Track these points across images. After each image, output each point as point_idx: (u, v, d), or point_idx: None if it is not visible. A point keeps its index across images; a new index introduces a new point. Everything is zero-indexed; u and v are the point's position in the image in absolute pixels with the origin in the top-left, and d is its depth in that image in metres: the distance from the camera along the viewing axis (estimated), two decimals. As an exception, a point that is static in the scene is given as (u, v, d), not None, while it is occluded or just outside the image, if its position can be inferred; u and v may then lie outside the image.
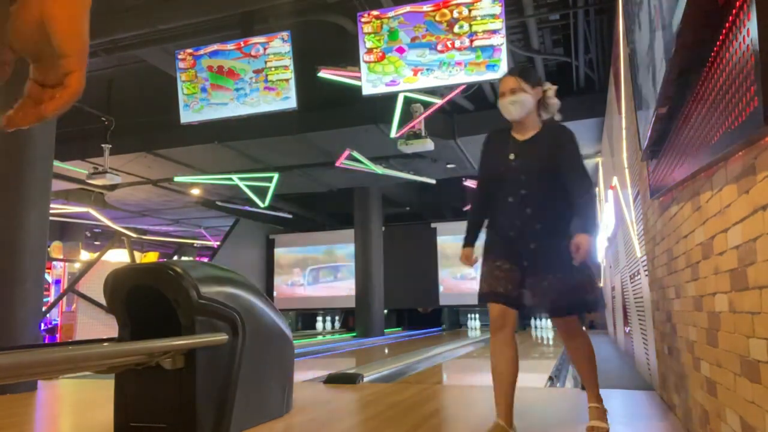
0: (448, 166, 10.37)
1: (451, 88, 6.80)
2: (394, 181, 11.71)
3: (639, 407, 3.29)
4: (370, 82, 6.36)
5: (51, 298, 9.63)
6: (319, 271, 16.89)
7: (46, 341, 8.72)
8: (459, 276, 15.19)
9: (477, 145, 10.13)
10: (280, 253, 17.21)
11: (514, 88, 2.64)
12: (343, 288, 16.32)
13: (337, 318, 17.68)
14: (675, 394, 2.92)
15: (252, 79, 7.01)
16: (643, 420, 2.97)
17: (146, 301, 2.52)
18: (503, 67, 5.93)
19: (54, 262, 10.79)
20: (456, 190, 13.05)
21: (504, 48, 5.88)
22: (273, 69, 6.90)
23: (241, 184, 10.93)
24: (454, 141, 8.88)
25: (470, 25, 5.95)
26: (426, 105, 7.65)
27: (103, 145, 8.96)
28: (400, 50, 6.23)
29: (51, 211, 5.04)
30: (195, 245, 19.83)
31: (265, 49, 6.91)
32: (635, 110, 3.09)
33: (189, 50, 6.86)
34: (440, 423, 2.91)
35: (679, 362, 2.71)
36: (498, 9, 5.86)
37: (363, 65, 6.36)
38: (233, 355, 2.58)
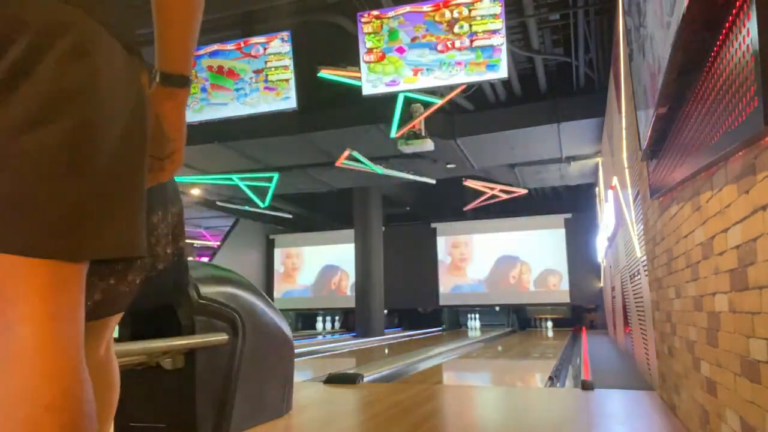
0: (448, 166, 10.37)
1: (451, 88, 6.80)
2: (394, 181, 11.71)
3: (639, 407, 3.29)
4: (370, 82, 6.36)
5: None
6: (319, 270, 16.89)
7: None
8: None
9: (477, 145, 10.14)
10: (280, 252, 17.21)
11: None
12: (342, 288, 16.33)
13: (337, 318, 17.69)
14: (675, 394, 2.92)
15: (252, 79, 7.01)
16: (643, 420, 2.97)
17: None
18: (503, 67, 5.93)
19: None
20: (456, 190, 13.05)
21: (504, 48, 5.89)
22: (273, 69, 6.90)
23: (241, 184, 10.94)
24: (454, 141, 8.88)
25: (470, 25, 5.95)
26: (426, 105, 7.65)
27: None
28: (400, 50, 6.23)
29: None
30: (195, 245, 19.83)
31: (265, 49, 6.91)
32: (635, 110, 3.09)
33: (189, 50, 6.85)
34: (440, 423, 2.91)
35: (679, 362, 2.71)
36: (498, 9, 5.86)
37: (363, 65, 6.36)
38: (233, 355, 2.58)
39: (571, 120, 8.28)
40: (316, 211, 16.22)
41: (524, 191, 12.91)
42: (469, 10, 5.95)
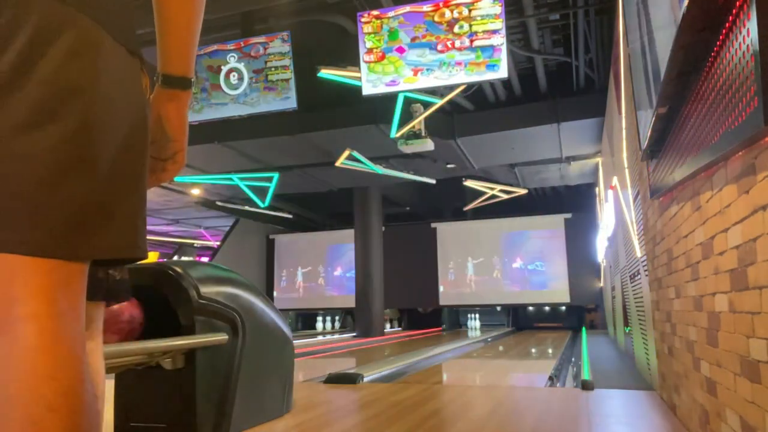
0: (448, 166, 10.37)
1: (451, 88, 6.80)
2: (394, 181, 11.71)
3: (639, 407, 3.29)
4: (370, 82, 6.36)
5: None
6: (319, 270, 16.89)
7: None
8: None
9: (477, 145, 10.14)
10: (280, 252, 17.22)
11: None
12: (343, 288, 16.33)
13: (337, 318, 17.69)
14: (675, 394, 2.92)
15: (252, 79, 7.01)
16: (643, 420, 2.97)
17: (146, 301, 2.52)
18: (503, 67, 5.93)
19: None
20: (456, 190, 13.05)
21: (504, 48, 5.89)
22: (273, 69, 6.91)
23: (241, 184, 10.94)
24: (454, 141, 8.88)
25: (470, 25, 5.95)
26: (426, 105, 7.65)
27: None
28: (400, 50, 6.23)
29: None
30: (195, 245, 19.83)
31: (265, 49, 6.91)
32: (635, 110, 3.09)
33: (189, 50, 6.86)
34: (440, 423, 2.91)
35: (679, 362, 2.71)
36: (498, 9, 5.86)
37: (363, 65, 6.36)
38: (233, 355, 2.58)
39: (571, 120, 8.28)
40: (316, 211, 16.23)
41: (524, 191, 12.91)
42: (469, 10, 5.95)
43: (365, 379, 4.43)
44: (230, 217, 15.42)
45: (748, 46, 1.19)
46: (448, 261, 15.44)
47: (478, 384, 5.64)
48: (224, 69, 7.11)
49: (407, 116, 7.80)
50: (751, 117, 1.20)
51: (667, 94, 1.98)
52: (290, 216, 15.57)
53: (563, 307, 15.63)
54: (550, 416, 3.07)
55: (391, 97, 7.22)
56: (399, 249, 15.44)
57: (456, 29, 5.99)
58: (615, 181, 6.20)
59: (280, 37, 6.86)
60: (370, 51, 6.33)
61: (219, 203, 13.60)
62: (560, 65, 8.58)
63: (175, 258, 18.40)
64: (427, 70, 6.14)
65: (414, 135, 7.90)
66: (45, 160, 0.68)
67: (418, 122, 7.77)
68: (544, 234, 15.02)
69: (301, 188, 12.48)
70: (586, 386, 3.81)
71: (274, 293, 16.81)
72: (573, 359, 7.53)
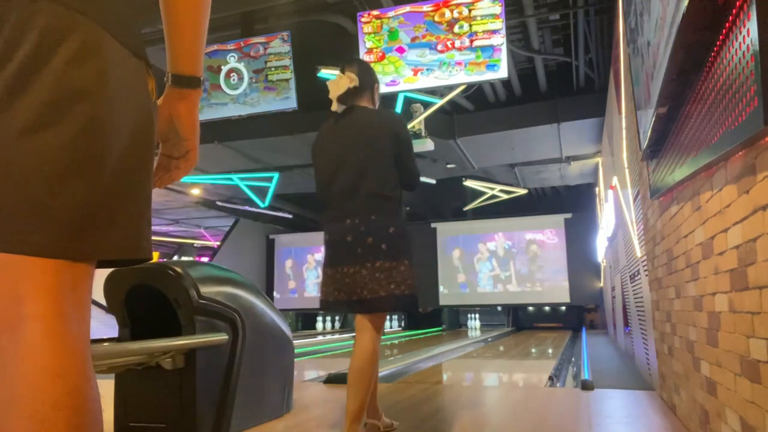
0: (448, 166, 10.37)
1: (451, 88, 6.80)
2: (394, 181, 11.68)
3: (639, 407, 3.29)
4: (370, 82, 6.35)
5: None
6: (319, 270, 16.88)
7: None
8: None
9: (477, 145, 10.14)
10: (280, 252, 17.22)
11: None
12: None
13: (337, 318, 17.68)
14: (675, 394, 2.92)
15: (252, 79, 7.01)
16: (643, 420, 2.97)
17: (146, 301, 2.52)
18: (503, 67, 5.93)
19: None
20: (456, 190, 13.05)
21: (504, 48, 5.89)
22: (273, 69, 6.91)
23: (241, 184, 10.94)
24: (454, 141, 8.88)
25: (470, 25, 5.95)
26: (426, 105, 7.65)
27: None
28: (400, 50, 6.23)
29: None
30: (195, 245, 19.83)
31: (265, 49, 6.91)
32: (635, 110, 3.09)
33: (189, 50, 6.86)
34: (440, 423, 2.91)
35: (679, 362, 2.71)
36: (498, 9, 5.86)
37: (363, 65, 6.35)
38: (233, 355, 2.58)
39: (571, 120, 8.28)
40: (316, 211, 16.23)
41: (524, 191, 12.91)
42: (469, 10, 5.95)
43: (365, 379, 4.42)
44: (230, 217, 15.42)
45: (748, 46, 1.19)
46: (448, 261, 15.44)
47: (478, 384, 5.64)
48: (224, 69, 7.11)
49: (407, 116, 7.80)
50: (751, 117, 1.20)
51: (667, 94, 1.98)
52: (290, 216, 15.57)
53: (563, 307, 15.62)
54: (550, 416, 3.07)
55: (391, 97, 7.22)
56: (399, 249, 15.40)
57: (456, 29, 5.99)
58: (615, 181, 6.20)
59: (280, 37, 6.86)
60: (370, 51, 6.33)
61: (219, 203, 13.60)
62: (560, 65, 8.58)
63: (175, 258, 18.41)
64: (427, 70, 6.14)
65: (414, 135, 7.90)
66: (50, 162, 0.69)
67: (418, 122, 7.77)
68: (544, 234, 15.02)
69: (301, 188, 12.48)
70: (586, 386, 3.81)
71: (274, 293, 16.81)
72: (573, 359, 7.53)
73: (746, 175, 1.40)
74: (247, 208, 13.55)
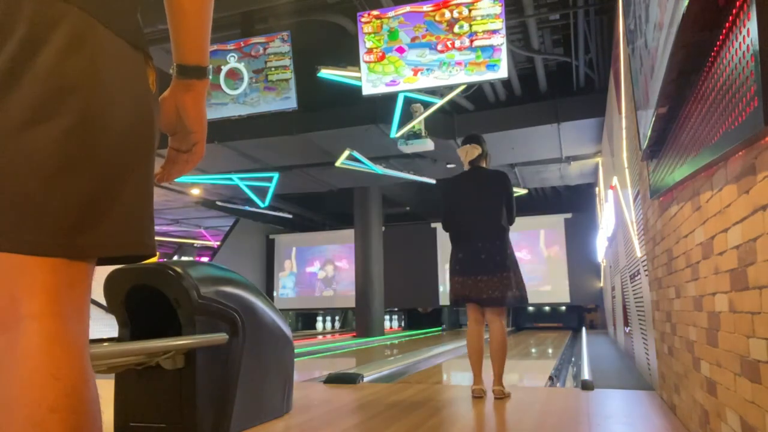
0: (448, 166, 10.37)
1: (451, 88, 6.80)
2: (394, 181, 11.71)
3: (639, 407, 3.29)
4: (370, 82, 6.36)
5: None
6: (319, 270, 16.89)
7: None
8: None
9: (477, 145, 9.86)
10: (280, 252, 17.22)
11: None
12: (343, 288, 16.33)
13: (337, 318, 17.69)
14: (675, 394, 2.92)
15: (252, 79, 7.01)
16: (643, 420, 2.97)
17: (146, 301, 2.52)
18: (503, 67, 5.93)
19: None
20: (456, 190, 13.02)
21: (504, 48, 5.89)
22: (273, 69, 6.91)
23: (241, 184, 10.94)
24: (454, 141, 8.89)
25: (470, 25, 5.95)
26: (426, 105, 7.66)
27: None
28: (400, 50, 6.23)
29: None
30: (195, 245, 19.83)
31: (265, 49, 6.91)
32: (635, 110, 3.09)
33: (189, 50, 6.86)
34: (440, 423, 2.91)
35: (679, 362, 2.71)
36: (498, 9, 5.86)
37: (363, 65, 6.36)
38: (233, 355, 2.58)
39: (571, 120, 8.29)
40: (316, 211, 16.23)
41: (524, 191, 12.91)
42: (469, 10, 5.95)
43: (365, 379, 4.43)
44: (230, 217, 15.43)
45: (748, 46, 1.19)
46: (448, 261, 15.43)
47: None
48: (224, 69, 7.11)
49: (407, 116, 7.80)
50: (751, 117, 1.20)
51: (667, 94, 1.98)
52: (290, 216, 15.57)
53: (563, 307, 15.63)
54: (550, 416, 3.07)
55: (391, 97, 7.22)
56: (399, 249, 15.44)
57: (456, 29, 5.99)
58: (615, 181, 6.20)
59: (280, 37, 6.86)
60: (370, 51, 6.33)
61: (219, 203, 13.60)
62: (560, 65, 8.58)
63: (175, 258, 18.41)
64: (427, 70, 6.14)
65: (414, 135, 7.90)
66: (44, 159, 0.67)
67: (418, 122, 7.77)
68: (544, 234, 15.02)
69: (301, 188, 12.48)
70: (586, 386, 3.81)
71: (274, 293, 16.81)
72: (573, 359, 7.53)
73: (746, 175, 1.40)
74: (247, 208, 13.55)
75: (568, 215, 14.88)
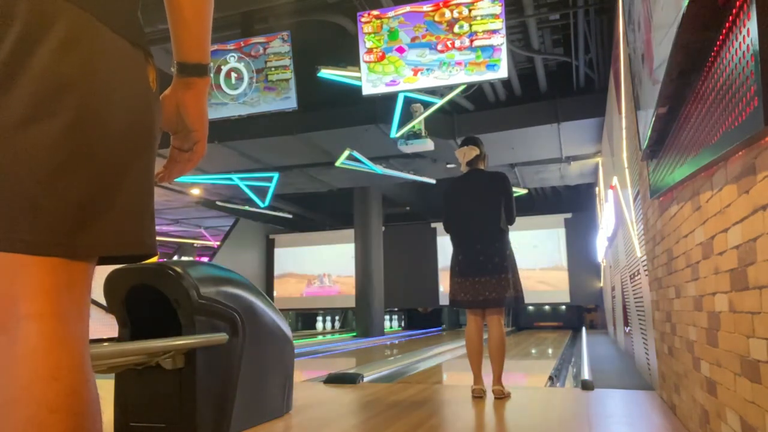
0: (448, 166, 10.37)
1: (451, 88, 6.80)
2: (394, 181, 11.71)
3: (639, 407, 3.29)
4: (370, 82, 6.36)
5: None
6: (319, 270, 16.89)
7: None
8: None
9: (477, 145, 9.83)
10: (280, 252, 17.22)
11: None
12: (343, 288, 16.33)
13: (337, 318, 17.68)
14: (675, 394, 2.92)
15: (252, 79, 7.01)
16: (643, 420, 2.97)
17: (146, 301, 2.52)
18: (503, 67, 5.93)
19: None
20: (456, 190, 13.03)
21: (504, 48, 5.89)
22: (273, 69, 6.90)
23: (241, 184, 10.94)
24: (454, 141, 8.89)
25: (470, 25, 5.95)
26: (426, 105, 7.65)
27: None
28: (400, 50, 6.23)
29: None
30: (195, 245, 19.83)
31: (265, 49, 6.91)
32: (635, 110, 3.09)
33: (189, 50, 6.86)
34: (440, 423, 2.91)
35: (679, 362, 2.71)
36: (498, 9, 5.86)
37: (363, 65, 6.36)
38: (233, 355, 2.58)
39: (571, 120, 8.28)
40: (316, 211, 16.23)
41: (524, 191, 12.91)
42: (469, 10, 5.95)
43: (365, 379, 4.43)
44: (230, 217, 15.43)
45: (748, 46, 1.19)
46: (448, 261, 15.43)
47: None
48: (224, 69, 7.11)
49: (407, 116, 7.80)
50: (751, 117, 1.20)
51: (667, 94, 1.98)
52: (290, 216, 15.57)
53: (563, 307, 15.63)
54: (550, 416, 3.07)
55: (391, 97, 7.22)
56: (399, 249, 15.44)
57: (456, 29, 5.99)
58: (615, 181, 6.20)
59: (280, 37, 6.86)
60: (370, 51, 6.33)
61: (219, 203, 13.60)
62: (560, 65, 8.58)
63: (175, 258, 18.40)
64: (427, 70, 6.14)
65: (414, 135, 7.90)
66: (42, 157, 0.67)
67: (418, 122, 7.77)
68: (544, 234, 15.02)
69: (301, 188, 12.48)
70: (586, 386, 3.81)
71: (274, 293, 16.81)
72: (573, 359, 7.53)
73: (746, 175, 1.40)
74: (247, 208, 13.55)
75: (568, 215, 14.88)
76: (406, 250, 15.66)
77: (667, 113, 2.15)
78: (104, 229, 0.72)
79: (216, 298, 2.53)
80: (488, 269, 3.51)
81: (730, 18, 1.33)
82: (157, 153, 0.83)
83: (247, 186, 11.08)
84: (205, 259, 16.61)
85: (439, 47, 6.06)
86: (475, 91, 8.31)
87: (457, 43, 5.99)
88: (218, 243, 15.77)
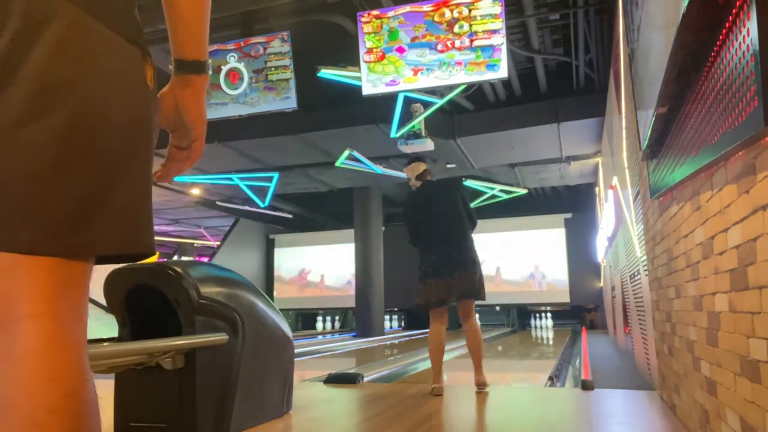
0: (448, 166, 10.37)
1: (451, 88, 6.80)
2: (394, 181, 11.71)
3: (639, 407, 3.29)
4: (370, 82, 6.36)
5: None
6: (319, 270, 16.88)
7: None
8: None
9: (477, 145, 10.12)
10: (280, 252, 17.22)
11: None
12: (343, 288, 16.32)
13: (337, 318, 17.68)
14: (675, 394, 2.92)
15: (252, 79, 7.01)
16: (643, 420, 2.97)
17: (146, 301, 2.52)
18: (503, 67, 5.93)
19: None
20: (456, 190, 13.02)
21: (504, 48, 5.89)
22: (273, 69, 6.91)
23: (241, 184, 10.94)
24: (454, 141, 8.89)
25: (470, 25, 5.95)
26: (426, 105, 7.65)
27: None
28: (400, 50, 6.23)
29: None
30: (195, 245, 19.83)
31: (265, 49, 6.91)
32: (635, 110, 3.09)
33: (189, 50, 6.86)
34: (440, 423, 2.91)
35: (679, 362, 2.71)
36: (498, 9, 5.86)
37: (363, 65, 6.36)
38: (233, 355, 2.58)
39: (571, 120, 8.28)
40: (316, 211, 16.23)
41: (524, 191, 12.91)
42: (469, 10, 5.95)
43: (365, 379, 4.43)
44: (230, 217, 15.42)
45: (748, 46, 1.19)
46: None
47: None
48: (224, 69, 7.11)
49: (407, 116, 7.80)
50: (751, 117, 1.20)
51: (667, 94, 1.98)
52: (290, 216, 15.57)
53: (563, 307, 15.62)
54: (550, 416, 3.07)
55: (391, 97, 7.22)
56: (399, 249, 15.41)
57: (456, 29, 5.99)
58: (615, 181, 6.20)
59: (280, 37, 6.86)
60: (370, 51, 6.33)
61: (219, 203, 13.60)
62: (560, 65, 8.58)
63: (175, 258, 18.40)
64: (427, 70, 6.14)
65: (414, 135, 7.90)
66: (39, 156, 0.66)
67: (418, 122, 7.77)
68: (544, 234, 15.01)
69: (301, 188, 12.48)
70: (586, 386, 3.81)
71: (274, 293, 16.81)
72: (573, 359, 7.52)
73: (746, 175, 1.40)
74: (247, 208, 13.55)
75: (568, 215, 14.87)
76: (406, 250, 15.61)
77: (667, 113, 2.15)
78: (102, 228, 0.71)
79: (216, 298, 2.53)
80: (462, 262, 3.68)
81: (730, 18, 1.33)
82: (156, 152, 0.83)
83: (247, 186, 11.08)
84: (205, 259, 16.61)
85: (439, 47, 6.06)
86: (475, 91, 8.30)
87: (457, 43, 5.99)
88: (218, 243, 15.77)
